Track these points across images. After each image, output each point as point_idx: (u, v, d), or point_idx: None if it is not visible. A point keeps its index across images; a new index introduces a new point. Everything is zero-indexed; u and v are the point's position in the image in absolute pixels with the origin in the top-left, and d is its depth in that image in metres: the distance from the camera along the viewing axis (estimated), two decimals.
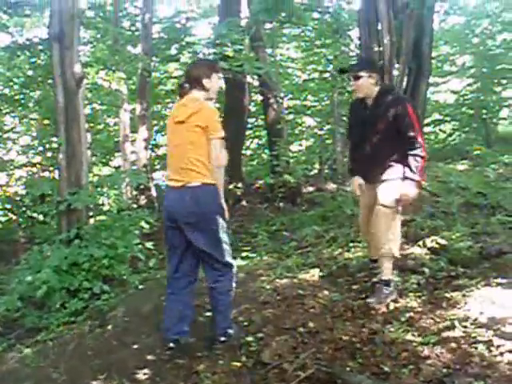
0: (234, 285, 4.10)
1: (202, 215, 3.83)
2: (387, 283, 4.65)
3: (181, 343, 4.04)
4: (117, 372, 3.84)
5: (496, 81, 14.87)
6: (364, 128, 4.64)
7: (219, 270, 3.99)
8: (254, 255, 6.93)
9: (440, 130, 16.08)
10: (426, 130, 14.06)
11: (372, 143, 4.60)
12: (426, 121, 12.91)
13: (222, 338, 4.03)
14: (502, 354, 3.50)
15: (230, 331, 4.05)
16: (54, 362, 4.23)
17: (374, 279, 4.95)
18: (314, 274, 5.49)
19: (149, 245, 6.78)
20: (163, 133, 16.05)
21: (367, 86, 4.58)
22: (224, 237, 3.97)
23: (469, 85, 15.46)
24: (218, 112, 3.97)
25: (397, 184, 4.46)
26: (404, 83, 7.94)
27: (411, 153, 4.40)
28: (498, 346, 3.58)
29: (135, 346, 4.27)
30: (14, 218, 14.24)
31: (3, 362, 4.60)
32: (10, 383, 3.98)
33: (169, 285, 4.20)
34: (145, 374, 3.79)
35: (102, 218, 7.66)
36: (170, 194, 4.01)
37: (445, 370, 3.39)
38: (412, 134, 4.40)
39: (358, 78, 4.57)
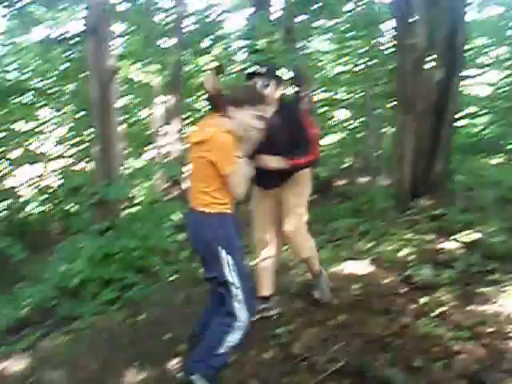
0: (229, 339, 3.31)
1: (200, 243, 3.42)
2: (319, 274, 4.65)
3: None
4: (149, 361, 3.89)
5: None
6: None
7: (220, 315, 3.39)
8: (285, 247, 6.89)
9: (474, 123, 15.84)
10: (461, 123, 13.84)
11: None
12: (461, 114, 12.71)
13: (181, 375, 3.61)
14: None
15: (194, 377, 3.32)
16: (88, 351, 4.30)
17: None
18: (346, 266, 5.46)
19: (180, 237, 6.82)
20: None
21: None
22: (231, 277, 3.32)
23: (505, 77, 15.17)
24: (231, 140, 3.30)
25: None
26: (437, 76, 7.84)
27: None
28: None
29: (167, 336, 4.32)
30: (49, 209, 14.47)
31: (38, 349, 4.69)
32: (44, 370, 4.05)
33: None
34: (176, 363, 3.82)
35: (135, 209, 7.73)
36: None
37: (477, 366, 3.35)
38: None
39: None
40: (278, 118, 4.18)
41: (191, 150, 3.48)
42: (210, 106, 3.69)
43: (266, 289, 4.49)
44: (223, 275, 3.31)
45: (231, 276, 3.31)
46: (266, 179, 4.22)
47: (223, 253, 3.30)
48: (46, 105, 14.33)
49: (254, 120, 3.42)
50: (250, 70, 4.18)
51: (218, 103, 3.55)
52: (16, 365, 4.28)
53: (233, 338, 3.31)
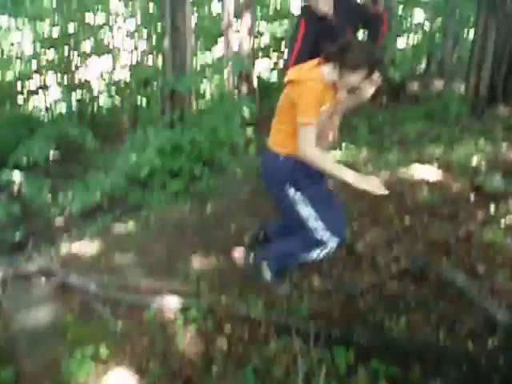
0: (311, 256, 3.34)
1: (269, 182, 3.37)
2: None
3: None
4: (214, 248, 4.01)
5: None
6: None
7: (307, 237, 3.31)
8: (352, 146, 6.81)
9: None
10: None
11: None
12: None
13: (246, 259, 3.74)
14: None
15: (264, 263, 3.54)
16: (156, 236, 4.47)
17: None
18: (415, 170, 5.38)
19: (249, 132, 6.83)
20: (267, 21, 15.73)
21: None
22: (304, 213, 3.24)
23: None
24: (317, 93, 3.03)
25: None
26: None
27: None
28: None
29: (232, 227, 4.42)
30: (119, 102, 14.70)
31: (109, 233, 4.91)
32: (115, 252, 4.24)
33: None
34: (242, 252, 3.92)
35: (205, 103, 7.76)
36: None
37: None
38: None
39: None
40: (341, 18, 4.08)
41: (284, 88, 3.28)
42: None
43: None
44: (295, 212, 3.26)
45: (304, 211, 3.24)
46: None
47: (291, 191, 3.22)
48: None
49: (365, 85, 3.22)
50: None
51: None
52: (89, 246, 4.50)
53: (314, 255, 3.32)
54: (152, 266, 3.92)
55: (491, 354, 2.52)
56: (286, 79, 3.22)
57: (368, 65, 3.04)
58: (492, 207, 4.41)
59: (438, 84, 10.79)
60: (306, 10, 4.15)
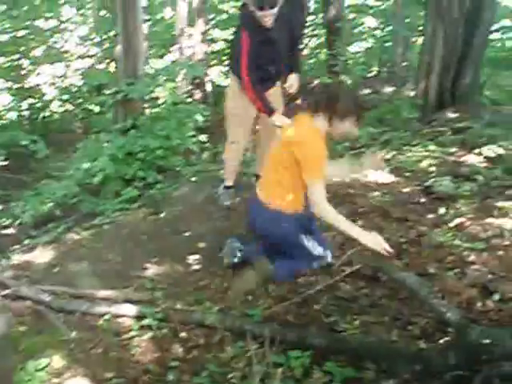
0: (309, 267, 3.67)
1: (264, 234, 3.60)
2: None
3: None
4: (169, 256, 4.00)
5: None
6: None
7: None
8: None
9: (507, 37, 15.28)
10: (493, 36, 13.39)
11: (279, 61, 4.56)
12: (494, 27, 12.26)
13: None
14: None
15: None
16: (110, 245, 4.43)
17: None
18: (366, 174, 5.46)
19: (202, 138, 6.83)
20: (220, 27, 15.78)
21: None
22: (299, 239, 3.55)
23: None
24: (322, 151, 3.23)
25: None
26: None
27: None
28: None
29: (187, 234, 4.42)
30: (71, 109, 14.50)
31: (62, 243, 4.84)
32: (68, 262, 4.19)
33: None
34: (195, 259, 3.92)
35: (158, 109, 7.73)
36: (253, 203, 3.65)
37: (490, 276, 3.40)
38: None
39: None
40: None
41: (278, 144, 3.44)
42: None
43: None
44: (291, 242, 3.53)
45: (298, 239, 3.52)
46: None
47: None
48: (68, 2, 14.06)
49: (354, 128, 3.32)
50: None
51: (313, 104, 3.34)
52: (42, 256, 4.43)
53: (315, 266, 3.65)
54: (106, 275, 3.88)
55: (442, 352, 2.58)
56: (283, 138, 3.39)
57: (356, 112, 3.19)
58: (442, 209, 4.52)
59: (390, 89, 10.99)
60: (248, 17, 4.26)
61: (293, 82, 4.69)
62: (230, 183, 5.03)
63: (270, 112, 4.36)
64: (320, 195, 3.22)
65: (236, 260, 3.78)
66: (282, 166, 3.33)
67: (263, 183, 3.52)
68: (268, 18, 4.17)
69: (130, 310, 3.31)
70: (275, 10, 4.16)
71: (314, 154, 3.20)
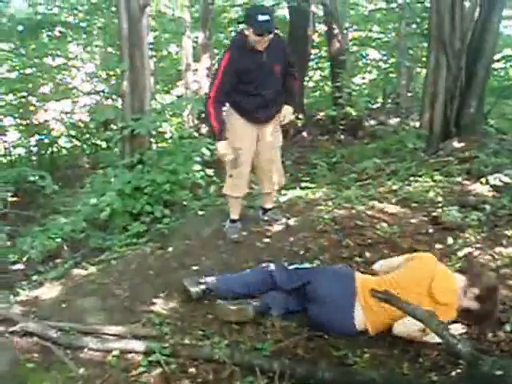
0: None
1: None
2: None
3: None
4: (177, 291, 3.98)
5: None
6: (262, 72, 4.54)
7: None
8: (312, 186, 6.92)
9: (511, 66, 15.39)
10: (497, 65, 13.49)
11: (272, 86, 4.61)
12: (497, 56, 12.36)
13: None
14: None
15: None
16: (117, 280, 4.40)
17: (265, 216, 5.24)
18: (373, 206, 5.47)
19: (209, 172, 6.86)
20: None
21: None
22: None
23: None
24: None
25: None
26: (475, 14, 7.62)
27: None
28: None
29: (195, 268, 4.40)
30: (79, 144, 14.62)
31: (70, 278, 4.82)
32: (76, 298, 4.16)
33: None
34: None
35: (164, 144, 7.79)
36: None
37: (500, 307, 3.38)
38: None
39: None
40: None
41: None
42: None
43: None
44: None
45: None
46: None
47: None
48: (75, 39, 14.27)
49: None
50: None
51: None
52: (49, 292, 4.41)
53: None
54: (114, 310, 3.86)
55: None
56: (434, 289, 3.27)
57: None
58: (450, 239, 4.51)
59: (395, 120, 11.05)
60: (239, 41, 4.42)
61: (286, 113, 4.72)
62: (235, 217, 5.03)
63: (220, 138, 4.50)
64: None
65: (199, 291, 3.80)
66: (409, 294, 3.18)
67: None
68: (264, 43, 4.31)
69: (139, 345, 3.28)
70: (272, 35, 4.30)
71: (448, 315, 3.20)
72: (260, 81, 4.51)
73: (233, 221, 5.02)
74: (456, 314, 3.29)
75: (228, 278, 3.90)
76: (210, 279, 3.86)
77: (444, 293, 3.23)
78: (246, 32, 4.28)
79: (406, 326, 3.14)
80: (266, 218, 5.19)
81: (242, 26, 4.44)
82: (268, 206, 5.23)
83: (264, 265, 3.95)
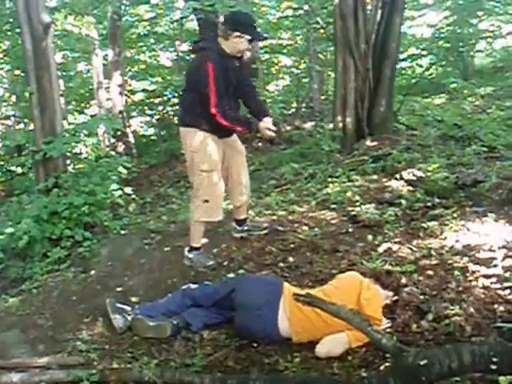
0: None
1: None
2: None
3: None
4: (102, 315, 3.89)
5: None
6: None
7: None
8: None
9: (417, 64, 15.97)
10: (403, 64, 14.00)
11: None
12: (403, 55, 12.81)
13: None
14: (476, 279, 3.60)
15: None
16: (40, 309, 4.28)
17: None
18: (294, 210, 5.53)
19: (128, 190, 6.75)
20: (137, 78, 15.85)
21: None
22: None
23: (445, 18, 15.23)
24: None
25: None
26: (378, 17, 7.86)
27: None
28: (473, 272, 3.69)
29: (119, 289, 4.33)
30: None
31: None
32: None
33: None
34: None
35: (80, 166, 7.61)
36: None
37: (422, 297, 3.48)
38: None
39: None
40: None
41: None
42: None
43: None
44: None
45: None
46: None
47: None
48: None
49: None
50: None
51: None
52: None
53: None
54: (37, 341, 3.73)
55: (382, 378, 2.60)
56: (362, 300, 3.30)
57: None
58: (370, 236, 4.61)
59: (309, 124, 11.22)
60: (212, 51, 4.22)
61: (269, 125, 4.43)
62: (198, 244, 4.59)
63: (254, 128, 4.42)
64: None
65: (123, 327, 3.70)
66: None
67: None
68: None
69: (65, 375, 3.18)
70: None
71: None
72: (230, 89, 4.35)
73: (197, 249, 4.58)
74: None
75: (150, 307, 3.81)
76: (132, 312, 3.74)
77: (371, 306, 3.28)
78: (235, 39, 4.16)
79: (325, 345, 3.18)
80: (243, 234, 4.93)
81: (220, 31, 4.26)
82: (242, 216, 4.91)
83: (184, 287, 3.91)
